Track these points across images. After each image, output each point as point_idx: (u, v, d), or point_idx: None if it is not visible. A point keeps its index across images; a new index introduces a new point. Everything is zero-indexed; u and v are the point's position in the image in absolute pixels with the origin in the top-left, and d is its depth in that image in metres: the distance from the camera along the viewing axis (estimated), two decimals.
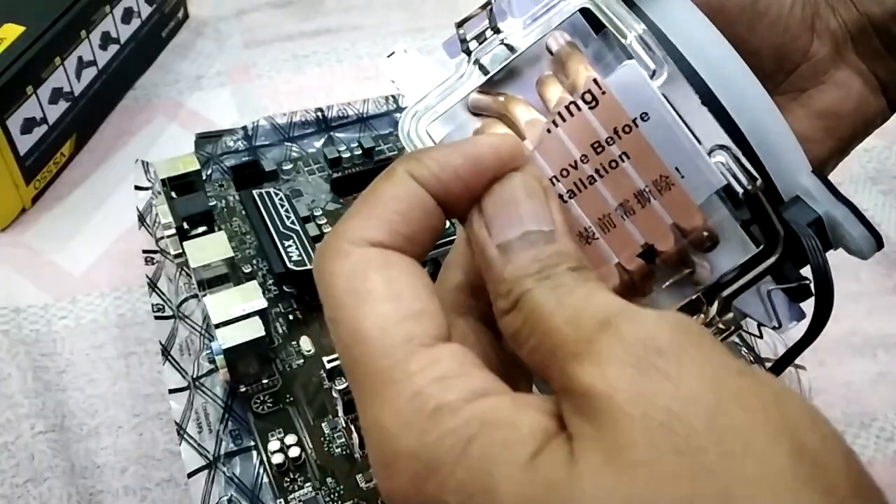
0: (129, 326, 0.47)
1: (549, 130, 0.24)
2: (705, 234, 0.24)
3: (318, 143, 0.51)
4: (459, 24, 0.25)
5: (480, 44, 0.26)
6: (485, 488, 0.17)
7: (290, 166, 0.49)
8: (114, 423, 0.43)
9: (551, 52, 0.26)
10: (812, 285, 0.25)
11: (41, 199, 0.54)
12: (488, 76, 0.25)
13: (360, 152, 0.49)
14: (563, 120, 0.24)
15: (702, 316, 0.25)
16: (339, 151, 0.49)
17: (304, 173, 0.49)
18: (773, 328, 0.26)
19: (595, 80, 0.24)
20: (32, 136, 0.52)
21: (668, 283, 0.25)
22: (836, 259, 0.25)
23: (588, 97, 0.23)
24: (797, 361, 0.41)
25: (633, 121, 0.23)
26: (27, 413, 0.42)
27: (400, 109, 0.51)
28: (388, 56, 0.27)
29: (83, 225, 0.53)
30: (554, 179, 0.24)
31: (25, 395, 0.43)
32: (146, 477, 0.41)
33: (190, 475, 0.36)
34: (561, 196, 0.24)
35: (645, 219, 0.24)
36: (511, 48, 0.25)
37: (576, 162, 0.24)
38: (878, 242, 0.25)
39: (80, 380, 0.45)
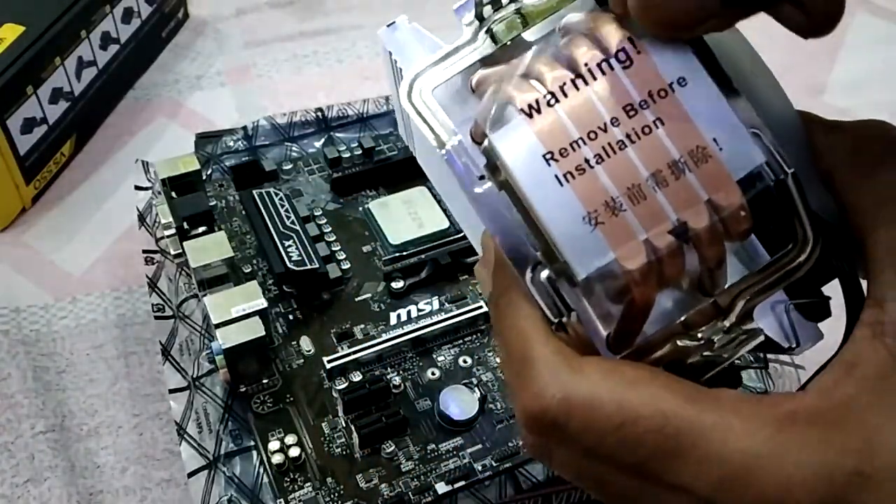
0: (129, 326, 0.47)
1: (577, 88, 0.22)
2: (742, 213, 0.22)
3: (318, 143, 0.51)
4: None
5: (495, 10, 0.24)
6: None
7: (290, 166, 0.49)
8: (114, 423, 0.43)
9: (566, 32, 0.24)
10: (840, 299, 0.23)
11: (41, 199, 0.54)
12: (500, 45, 0.23)
13: (360, 152, 0.49)
14: (595, 78, 0.22)
15: (724, 322, 0.22)
16: (339, 151, 0.49)
17: (304, 173, 0.49)
18: (789, 348, 0.24)
19: (630, 39, 0.22)
20: (32, 136, 0.52)
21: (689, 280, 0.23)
22: None
23: (622, 56, 0.22)
24: (797, 361, 0.41)
25: (670, 85, 0.22)
26: (27, 413, 0.42)
27: None
28: (388, 25, 0.25)
29: (83, 225, 0.53)
30: (580, 142, 0.22)
31: (25, 395, 0.43)
32: (146, 477, 0.41)
33: (190, 475, 0.36)
34: (587, 160, 0.21)
35: (678, 192, 0.21)
36: (525, 20, 0.24)
37: (605, 125, 0.22)
38: None
39: (80, 380, 0.45)
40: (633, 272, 0.21)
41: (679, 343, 0.22)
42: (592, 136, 0.22)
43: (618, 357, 0.22)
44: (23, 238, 0.52)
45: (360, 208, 0.47)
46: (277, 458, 0.36)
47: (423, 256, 0.44)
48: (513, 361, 0.22)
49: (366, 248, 0.45)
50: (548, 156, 0.22)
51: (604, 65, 0.22)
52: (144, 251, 0.45)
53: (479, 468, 0.36)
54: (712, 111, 0.22)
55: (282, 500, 0.35)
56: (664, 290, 0.22)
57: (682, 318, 0.23)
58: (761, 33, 0.24)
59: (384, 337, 0.40)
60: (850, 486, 0.19)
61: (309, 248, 0.42)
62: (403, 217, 0.46)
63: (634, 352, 0.22)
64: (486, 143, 0.22)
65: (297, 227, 0.43)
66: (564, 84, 0.22)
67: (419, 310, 0.42)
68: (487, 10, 0.24)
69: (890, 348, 0.20)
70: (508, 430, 0.37)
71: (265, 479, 0.36)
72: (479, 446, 0.37)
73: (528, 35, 0.24)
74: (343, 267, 0.44)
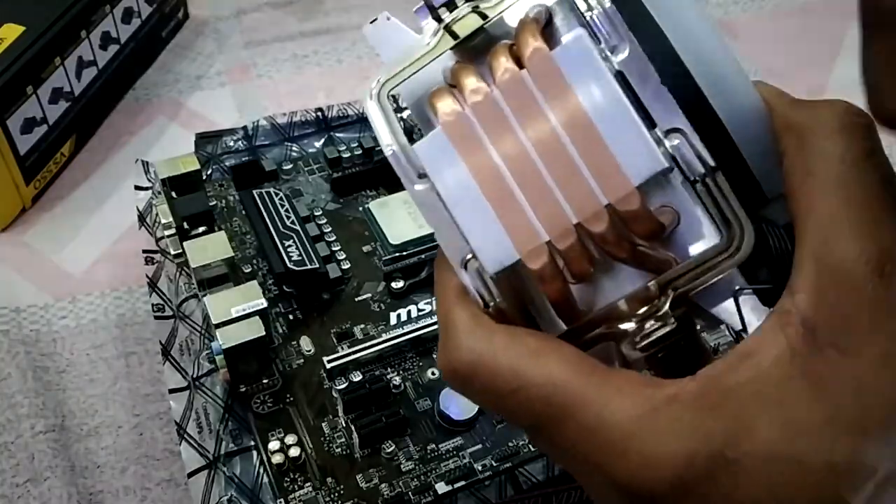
0: (129, 326, 0.47)
1: (491, 98, 0.23)
2: (643, 216, 0.23)
3: (318, 143, 0.51)
4: None
5: (451, 11, 0.25)
6: None
7: (290, 166, 0.49)
8: (114, 423, 0.43)
9: None
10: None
11: (41, 199, 0.54)
12: (457, 42, 0.25)
13: (360, 152, 0.49)
14: (505, 88, 0.23)
15: (655, 310, 0.23)
16: (339, 151, 0.49)
17: (304, 173, 0.49)
18: (739, 332, 0.24)
19: (538, 49, 0.23)
20: (32, 136, 0.52)
21: (611, 269, 0.24)
22: None
23: (531, 65, 0.23)
24: None
25: (575, 92, 0.23)
26: (27, 413, 0.42)
27: (400, 109, 0.51)
28: (371, 22, 0.26)
29: (83, 225, 0.53)
30: (491, 149, 0.23)
31: (25, 395, 0.43)
32: (146, 477, 0.41)
33: (190, 475, 0.36)
34: (498, 167, 0.23)
35: (580, 197, 0.23)
36: (483, 16, 0.25)
37: (513, 130, 0.23)
38: None
39: (80, 380, 0.45)
40: (536, 272, 0.23)
41: (609, 328, 0.24)
42: (502, 143, 0.23)
43: (567, 328, 0.24)
44: (23, 238, 0.52)
45: (360, 208, 0.47)
46: (277, 458, 0.36)
47: (423, 256, 0.44)
48: (440, 323, 0.25)
49: (366, 248, 0.45)
50: (461, 161, 0.24)
51: (513, 74, 0.23)
52: (144, 251, 0.45)
53: (479, 468, 0.36)
54: (615, 118, 0.22)
55: (282, 500, 0.35)
56: (612, 270, 0.24)
57: (622, 300, 0.24)
58: (762, 36, 0.24)
59: (384, 337, 0.40)
60: (711, 468, 0.20)
61: (309, 248, 0.42)
62: (403, 217, 0.46)
63: (584, 325, 0.24)
64: (413, 148, 0.25)
65: (297, 227, 0.43)
66: (480, 95, 0.24)
67: (419, 310, 0.42)
68: (444, 11, 0.25)
69: (790, 340, 0.20)
70: (508, 430, 0.37)
71: (265, 479, 0.36)
72: (479, 446, 0.37)
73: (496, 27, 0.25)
74: (343, 267, 0.44)
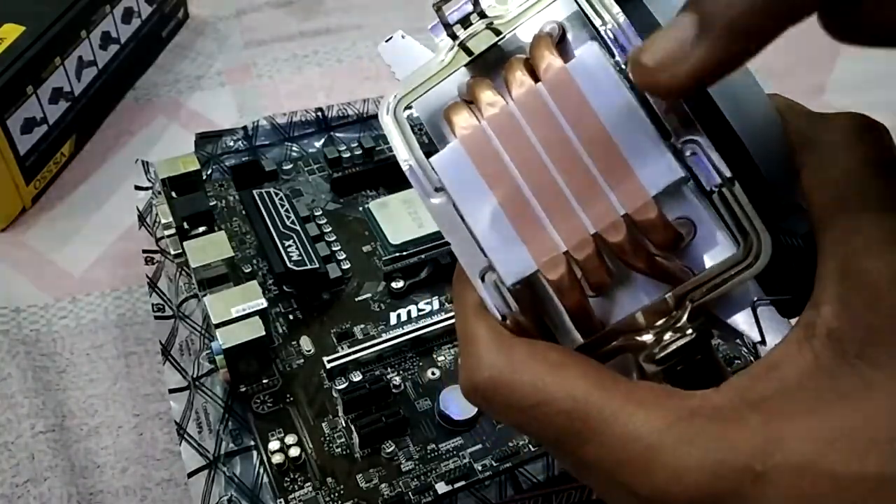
0: (129, 326, 0.47)
1: (508, 112, 0.24)
2: (660, 226, 0.23)
3: (318, 143, 0.51)
4: (438, 7, 0.25)
5: (465, 28, 0.25)
6: None
7: (290, 166, 0.49)
8: (114, 423, 0.43)
9: None
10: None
11: (41, 199, 0.54)
12: (472, 58, 0.25)
13: (360, 152, 0.49)
14: (521, 101, 0.24)
15: (673, 321, 0.23)
16: (339, 151, 0.49)
17: (304, 173, 0.49)
18: (756, 344, 0.24)
19: (554, 62, 0.24)
20: (32, 136, 0.52)
21: (628, 281, 0.24)
22: None
23: (547, 78, 0.23)
24: None
25: (591, 104, 0.23)
26: (27, 413, 0.42)
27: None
28: (386, 41, 0.27)
29: (83, 225, 0.53)
30: (508, 162, 0.23)
31: (25, 395, 0.43)
32: (146, 477, 0.41)
33: (190, 475, 0.36)
34: (515, 180, 0.23)
35: (597, 208, 0.23)
36: (497, 32, 0.25)
37: (530, 142, 0.23)
38: None
39: (80, 380, 0.45)
40: (555, 282, 0.23)
41: (627, 340, 0.24)
42: (517, 153, 0.23)
43: (584, 341, 0.24)
44: (23, 238, 0.52)
45: (360, 208, 0.47)
46: (277, 458, 0.36)
47: (423, 256, 0.44)
48: (460, 340, 0.25)
49: (366, 248, 0.45)
50: (478, 173, 0.24)
51: (529, 88, 0.24)
52: (144, 251, 0.45)
53: (479, 468, 0.36)
54: (631, 129, 0.23)
55: (282, 500, 0.35)
56: (626, 284, 0.24)
57: (639, 312, 0.24)
58: None
59: (384, 337, 0.40)
60: (738, 482, 0.20)
61: (309, 248, 0.42)
62: (403, 217, 0.46)
63: (602, 337, 0.24)
64: (430, 161, 0.25)
65: (297, 227, 0.43)
66: (497, 107, 0.24)
67: (419, 310, 0.42)
68: (458, 28, 0.25)
69: (816, 352, 0.20)
70: (508, 430, 0.37)
71: (265, 479, 0.36)
72: (479, 446, 0.37)
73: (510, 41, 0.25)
74: (343, 267, 0.44)
